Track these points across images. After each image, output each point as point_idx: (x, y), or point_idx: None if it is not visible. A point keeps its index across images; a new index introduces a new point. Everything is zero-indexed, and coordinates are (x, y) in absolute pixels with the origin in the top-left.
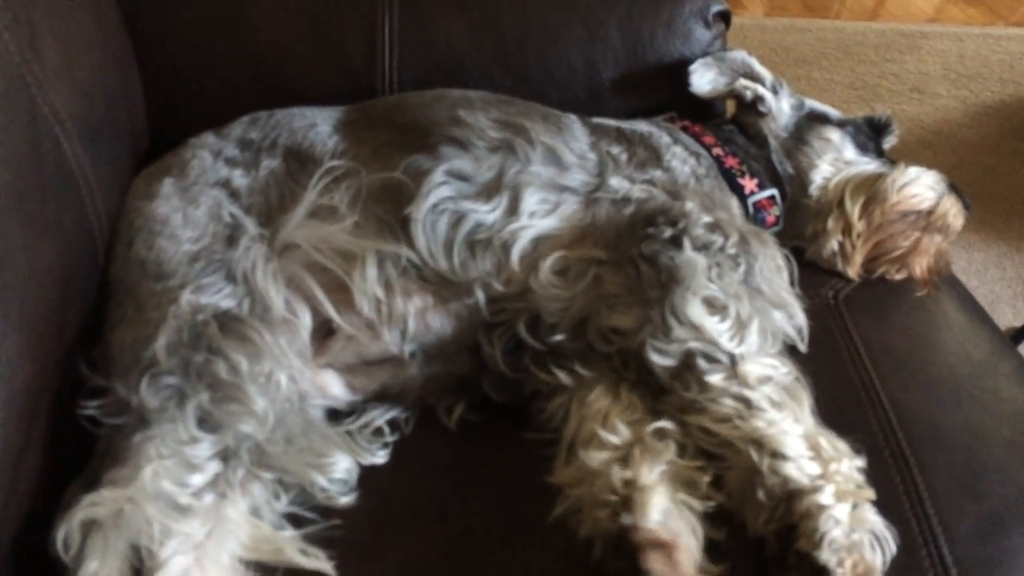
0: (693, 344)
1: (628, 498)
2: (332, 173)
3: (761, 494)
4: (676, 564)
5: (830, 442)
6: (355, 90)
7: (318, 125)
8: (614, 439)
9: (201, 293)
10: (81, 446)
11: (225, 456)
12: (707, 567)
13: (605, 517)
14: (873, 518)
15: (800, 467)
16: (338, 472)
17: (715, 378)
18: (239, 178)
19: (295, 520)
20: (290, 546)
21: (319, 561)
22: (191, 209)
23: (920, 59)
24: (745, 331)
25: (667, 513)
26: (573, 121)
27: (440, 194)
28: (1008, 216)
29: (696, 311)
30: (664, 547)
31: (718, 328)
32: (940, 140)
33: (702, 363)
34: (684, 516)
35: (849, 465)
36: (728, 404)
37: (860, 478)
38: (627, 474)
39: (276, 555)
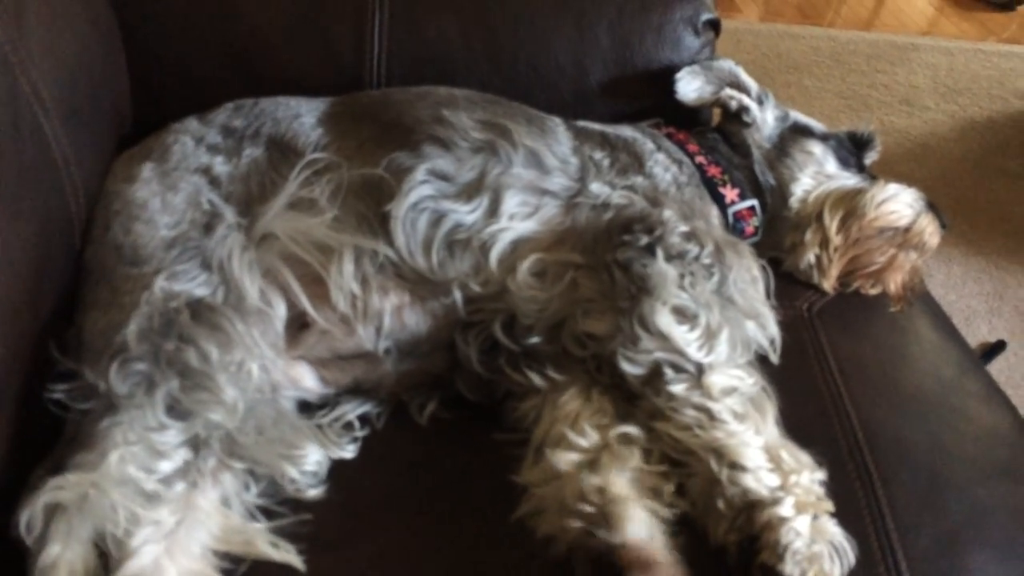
0: (660, 354)
1: (604, 510)
2: (314, 166)
3: (721, 504)
4: None
5: (791, 454)
6: (342, 82)
7: (302, 116)
8: (582, 442)
9: (175, 280)
10: (49, 430)
11: (196, 445)
12: None
13: (578, 528)
14: (833, 529)
15: (759, 478)
16: (308, 464)
17: (678, 388)
18: (220, 165)
19: (264, 513)
20: (260, 538)
21: (288, 554)
22: (170, 195)
23: (911, 71)
24: (714, 341)
25: (647, 528)
26: (557, 124)
27: (421, 193)
28: (989, 231)
29: (664, 320)
30: (650, 565)
31: (686, 337)
32: (926, 153)
33: (668, 372)
34: (658, 529)
35: (809, 477)
36: (689, 414)
37: (820, 490)
38: (597, 481)
39: (246, 547)
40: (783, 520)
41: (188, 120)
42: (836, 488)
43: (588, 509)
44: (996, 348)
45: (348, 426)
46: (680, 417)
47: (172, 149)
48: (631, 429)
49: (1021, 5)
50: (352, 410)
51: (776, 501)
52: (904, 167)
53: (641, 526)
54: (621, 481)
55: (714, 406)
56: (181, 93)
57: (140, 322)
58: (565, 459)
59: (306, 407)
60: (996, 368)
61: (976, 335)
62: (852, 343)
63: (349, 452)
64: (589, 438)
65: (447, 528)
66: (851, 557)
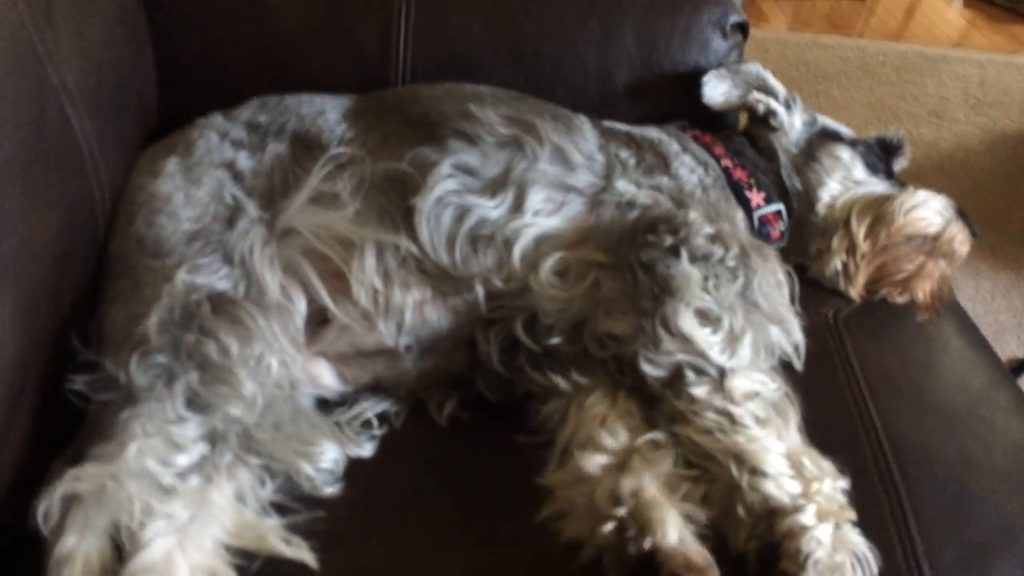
0: (682, 356)
1: (638, 514)
2: (337, 160)
3: (741, 510)
4: None
5: (813, 461)
6: (367, 79)
7: (327, 112)
8: (612, 443)
9: (197, 273)
10: (71, 421)
11: (213, 439)
12: None
13: (610, 532)
14: (856, 539)
15: (780, 485)
16: (325, 462)
17: (700, 391)
18: (244, 160)
19: (278, 509)
20: (273, 534)
21: (301, 551)
22: (193, 189)
23: (941, 83)
24: (737, 344)
25: (683, 532)
26: (583, 122)
27: (446, 187)
28: (1019, 245)
29: (687, 322)
30: (694, 569)
31: (709, 340)
32: (955, 166)
33: (690, 375)
34: (690, 532)
35: (832, 485)
36: (711, 417)
37: (842, 499)
38: (630, 484)
39: (259, 543)
40: (804, 528)
41: (213, 115)
42: (861, 498)
43: (621, 512)
44: None
45: (366, 424)
46: (701, 420)
47: (197, 144)
48: (659, 436)
49: None
50: (371, 408)
51: (797, 509)
52: (933, 180)
53: (678, 531)
54: (655, 485)
55: (736, 410)
56: (208, 88)
57: (161, 314)
58: (594, 461)
59: (324, 405)
60: None
61: (1005, 350)
62: (879, 352)
63: (367, 451)
64: (619, 439)
65: (465, 528)
66: (874, 568)
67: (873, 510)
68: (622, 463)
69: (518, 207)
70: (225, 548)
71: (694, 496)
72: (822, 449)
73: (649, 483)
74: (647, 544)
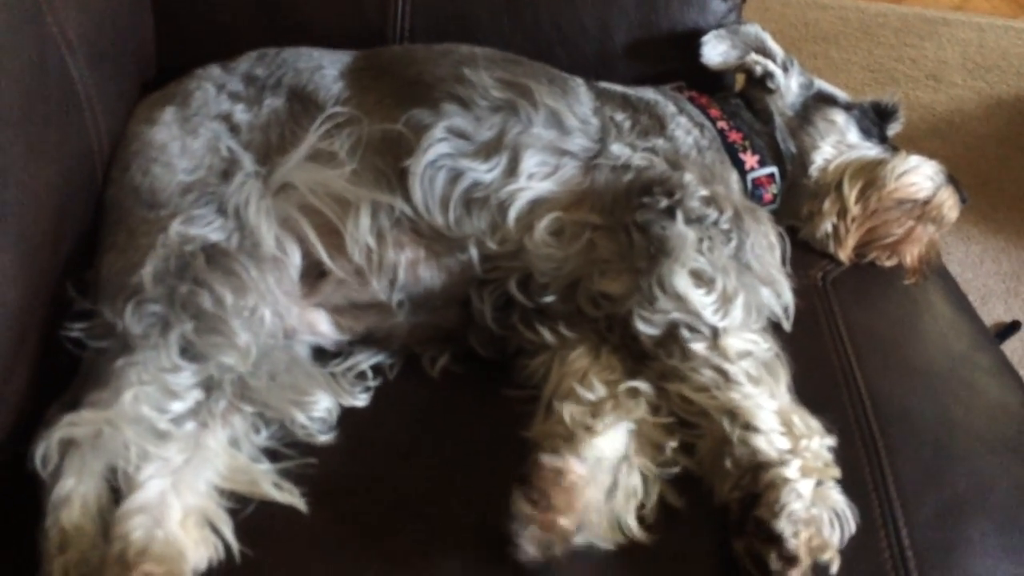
0: (676, 315)
1: (573, 436)
2: (334, 119)
3: (729, 463)
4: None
5: (802, 419)
6: (366, 35)
7: (324, 68)
8: (590, 395)
9: (191, 224)
10: (67, 368)
11: (208, 387)
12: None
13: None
14: (836, 496)
15: (770, 440)
16: (318, 411)
17: (697, 347)
18: (240, 113)
19: (272, 455)
20: (265, 479)
21: (292, 496)
22: (189, 139)
23: (940, 46)
24: (730, 305)
25: (599, 461)
26: (579, 85)
27: (439, 150)
28: (1010, 211)
29: (682, 282)
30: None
31: (703, 300)
32: (951, 129)
33: (685, 333)
34: (626, 475)
35: (819, 443)
36: (707, 375)
37: (828, 456)
38: (588, 420)
39: (251, 487)
40: (787, 481)
41: (211, 67)
42: (842, 455)
43: (561, 430)
44: (1011, 328)
45: (361, 376)
46: (697, 377)
47: (194, 95)
48: (640, 384)
49: None
50: (365, 360)
51: (783, 463)
52: (928, 143)
53: (595, 453)
54: (608, 423)
55: (730, 368)
56: (205, 40)
57: (156, 264)
58: (571, 410)
59: (321, 355)
60: (1010, 348)
61: (992, 315)
62: (865, 314)
63: (361, 401)
64: (597, 392)
65: (454, 476)
66: (852, 525)
67: (853, 468)
68: (597, 411)
69: (512, 171)
70: (218, 491)
71: (667, 446)
72: (807, 407)
73: (605, 421)
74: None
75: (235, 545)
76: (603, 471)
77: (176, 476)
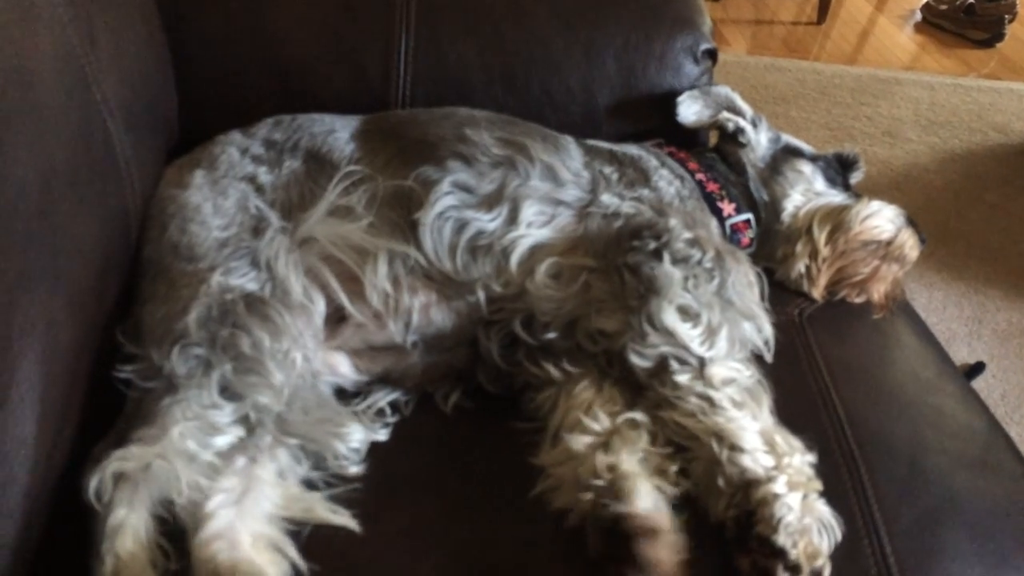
0: (666, 348)
1: (614, 484)
2: (351, 177)
3: (721, 482)
4: (663, 549)
5: (785, 439)
6: (371, 102)
7: (337, 131)
8: (596, 426)
9: (229, 275)
10: (111, 409)
11: (249, 424)
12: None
13: (590, 501)
14: (821, 507)
15: (755, 459)
16: (354, 442)
17: (683, 378)
18: (264, 175)
19: (310, 486)
20: (320, 505)
21: (346, 519)
22: (220, 199)
23: (894, 104)
24: (715, 337)
25: (653, 500)
26: (569, 142)
27: (446, 203)
28: (968, 258)
29: (670, 318)
30: (655, 532)
31: (690, 334)
32: (908, 183)
33: (674, 364)
34: (663, 502)
35: (801, 459)
36: (693, 401)
37: (810, 471)
38: (610, 460)
39: (307, 512)
40: (776, 496)
41: (232, 133)
42: (824, 473)
43: (599, 483)
44: (975, 369)
45: (380, 412)
46: (685, 404)
47: (220, 159)
48: (637, 415)
49: (1000, 42)
50: (383, 398)
51: (770, 479)
52: (887, 196)
53: (647, 498)
54: (631, 460)
55: (715, 394)
56: (224, 108)
57: (200, 311)
58: (580, 441)
59: (342, 395)
60: (975, 388)
61: (957, 357)
62: (839, 346)
63: (382, 435)
64: (601, 423)
65: (470, 503)
66: (838, 533)
67: (836, 483)
68: (605, 442)
69: (513, 220)
70: (277, 519)
71: (669, 471)
72: (791, 430)
73: (625, 459)
74: (618, 510)
75: (302, 564)
76: (661, 505)
77: (239, 506)
